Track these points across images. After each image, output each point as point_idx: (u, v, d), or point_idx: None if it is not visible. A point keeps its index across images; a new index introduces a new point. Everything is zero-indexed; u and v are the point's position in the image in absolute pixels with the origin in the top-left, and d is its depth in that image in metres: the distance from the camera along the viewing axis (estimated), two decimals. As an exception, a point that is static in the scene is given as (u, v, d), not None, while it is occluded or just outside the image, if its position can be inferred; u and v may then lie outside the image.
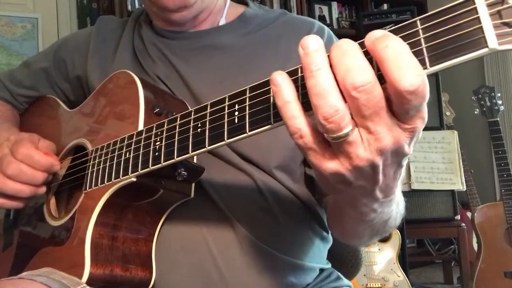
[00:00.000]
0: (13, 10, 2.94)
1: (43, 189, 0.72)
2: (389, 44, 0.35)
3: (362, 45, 0.39)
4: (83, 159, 0.73)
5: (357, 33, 3.28)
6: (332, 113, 0.37)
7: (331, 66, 0.38)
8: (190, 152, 0.53)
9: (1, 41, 2.90)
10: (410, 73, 0.35)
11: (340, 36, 0.89)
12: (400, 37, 0.37)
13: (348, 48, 0.37)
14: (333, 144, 0.40)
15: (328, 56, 0.39)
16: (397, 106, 0.37)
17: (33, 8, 3.00)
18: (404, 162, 0.43)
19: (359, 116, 0.38)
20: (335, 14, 3.49)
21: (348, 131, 0.38)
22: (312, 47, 0.38)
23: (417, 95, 0.35)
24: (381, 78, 0.37)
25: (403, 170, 0.46)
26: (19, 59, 2.88)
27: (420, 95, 0.36)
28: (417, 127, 0.39)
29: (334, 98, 0.37)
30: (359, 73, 0.36)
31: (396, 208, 0.55)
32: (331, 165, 0.41)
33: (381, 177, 0.43)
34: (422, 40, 0.37)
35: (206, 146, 0.51)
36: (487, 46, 0.34)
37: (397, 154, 0.41)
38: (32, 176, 0.69)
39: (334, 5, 3.49)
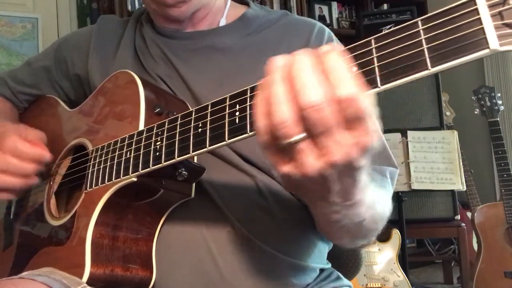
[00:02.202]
0: (13, 10, 2.94)
1: (34, 180, 0.72)
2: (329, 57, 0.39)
3: (353, 50, 0.40)
4: (84, 158, 0.73)
5: (357, 33, 3.28)
6: (281, 121, 0.39)
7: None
8: (191, 152, 0.53)
9: (1, 41, 2.90)
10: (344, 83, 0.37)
11: (340, 36, 0.90)
12: (401, 37, 0.38)
13: (303, 64, 0.39)
14: (286, 149, 0.41)
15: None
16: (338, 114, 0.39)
17: (33, 8, 3.00)
18: (359, 174, 0.44)
19: (311, 131, 0.40)
20: (335, 14, 3.49)
21: (297, 139, 0.40)
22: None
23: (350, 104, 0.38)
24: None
25: (366, 178, 0.46)
26: (19, 59, 2.88)
27: (354, 105, 0.38)
28: (366, 142, 0.40)
29: (283, 109, 0.40)
30: (309, 93, 0.38)
31: (369, 210, 0.54)
32: (285, 168, 0.43)
33: (335, 185, 0.44)
34: (424, 41, 0.37)
35: (207, 146, 0.51)
36: (488, 47, 0.34)
37: (350, 167, 0.42)
38: (20, 167, 0.69)
39: (334, 5, 3.49)
